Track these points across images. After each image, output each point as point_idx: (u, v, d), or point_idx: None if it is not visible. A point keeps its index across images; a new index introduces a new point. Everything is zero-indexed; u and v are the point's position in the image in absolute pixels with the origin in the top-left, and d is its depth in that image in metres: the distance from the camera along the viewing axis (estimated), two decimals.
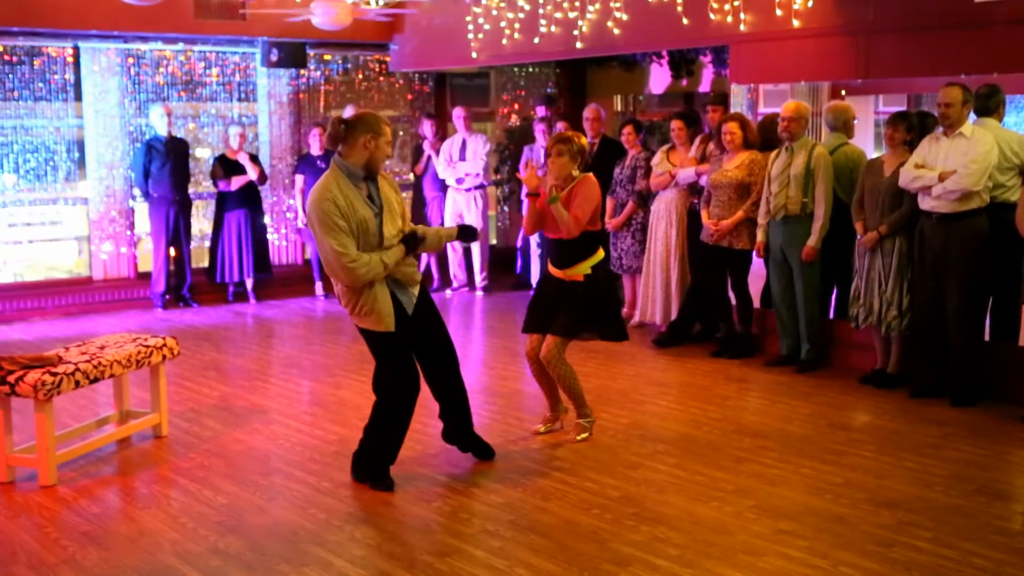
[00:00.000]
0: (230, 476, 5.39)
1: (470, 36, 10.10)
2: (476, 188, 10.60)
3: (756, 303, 7.93)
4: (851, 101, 8.68)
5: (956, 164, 6.30)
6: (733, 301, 7.92)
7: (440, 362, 5.34)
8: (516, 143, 11.62)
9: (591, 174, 5.78)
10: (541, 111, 10.80)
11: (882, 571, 4.15)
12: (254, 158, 10.37)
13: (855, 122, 7.77)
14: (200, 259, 10.62)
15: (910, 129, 6.80)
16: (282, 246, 11.15)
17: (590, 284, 5.70)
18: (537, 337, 5.85)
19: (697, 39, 8.65)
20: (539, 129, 10.15)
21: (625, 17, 8.76)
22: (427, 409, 6.68)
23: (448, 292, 10.90)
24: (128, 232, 10.27)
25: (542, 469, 5.42)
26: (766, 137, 7.69)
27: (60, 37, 9.71)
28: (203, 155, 10.78)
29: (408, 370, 5.14)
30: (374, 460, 5.20)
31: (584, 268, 5.70)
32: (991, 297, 6.65)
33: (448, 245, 10.72)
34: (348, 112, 10.80)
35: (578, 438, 5.88)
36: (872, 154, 8.42)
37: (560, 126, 9.90)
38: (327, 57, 11.29)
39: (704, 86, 11.27)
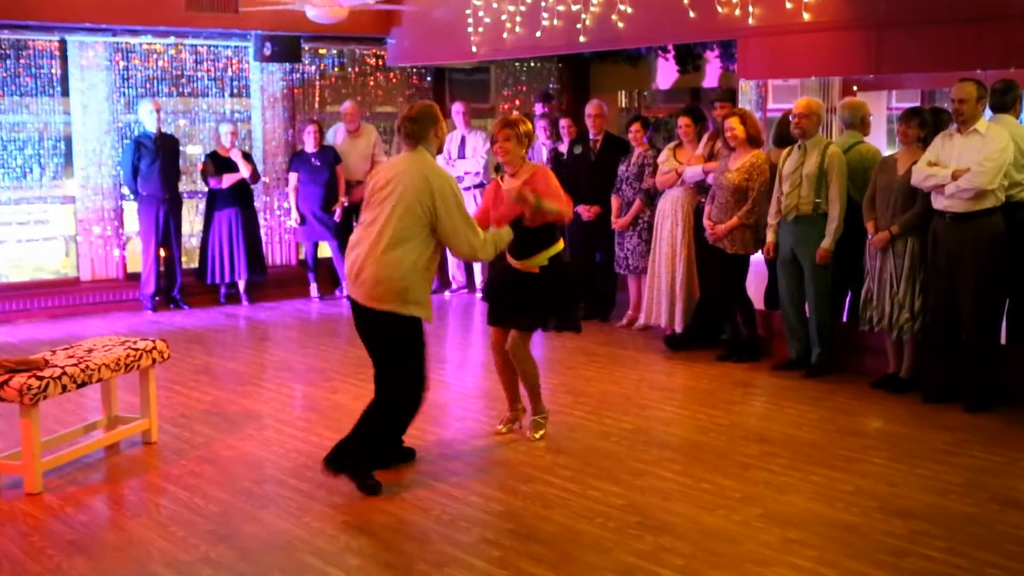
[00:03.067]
0: (222, 483, 5.39)
1: (470, 30, 10.11)
2: (476, 187, 10.60)
3: (759, 305, 7.94)
4: (863, 97, 8.70)
5: (970, 162, 6.30)
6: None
7: None
8: None
9: (542, 165, 6.01)
10: (540, 108, 10.80)
11: None
12: (247, 156, 10.38)
13: (871, 119, 7.77)
14: (191, 259, 10.63)
15: (923, 125, 6.80)
16: (275, 246, 11.16)
17: (546, 276, 5.81)
18: (500, 330, 6.00)
19: (704, 33, 8.65)
20: (540, 126, 10.14)
21: (629, 10, 8.76)
22: (424, 415, 6.69)
23: (447, 294, 10.91)
24: (118, 228, 10.28)
25: (543, 476, 5.42)
26: (784, 134, 7.67)
27: (47, 30, 9.72)
28: (194, 152, 10.80)
29: (426, 365, 5.36)
30: (368, 457, 5.25)
31: (540, 260, 5.79)
32: (1007, 299, 6.65)
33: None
34: (347, 107, 10.85)
35: (536, 436, 5.98)
36: (884, 152, 8.42)
37: (564, 123, 9.91)
38: (322, 51, 11.29)
39: (711, 81, 11.28)
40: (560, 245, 5.88)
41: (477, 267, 10.83)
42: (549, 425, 6.13)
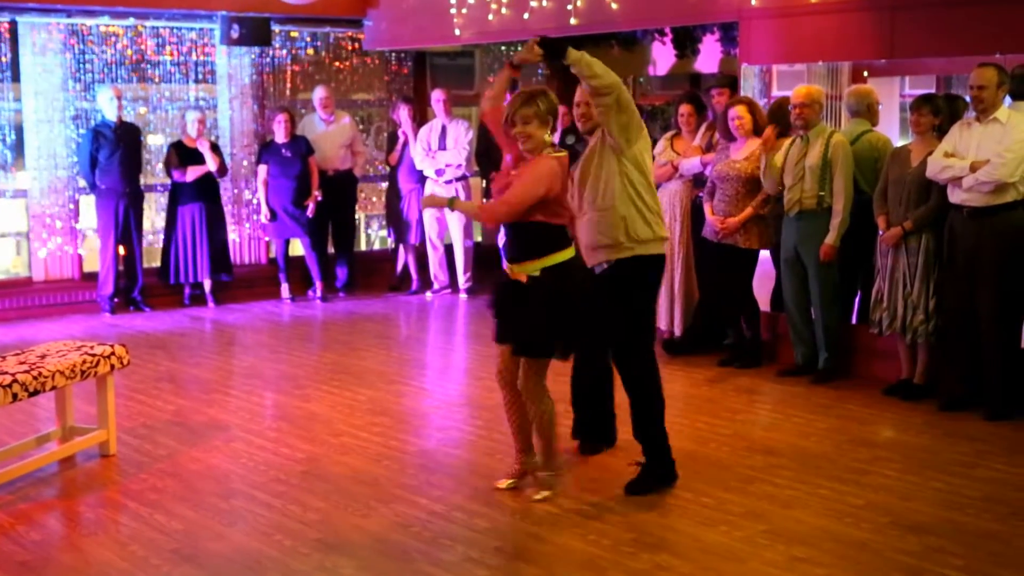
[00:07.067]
0: (186, 499, 5.38)
1: (453, 11, 10.11)
2: (457, 180, 10.58)
3: (764, 306, 7.95)
4: (874, 84, 8.71)
5: (989, 153, 6.32)
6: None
7: None
8: None
9: (552, 155, 5.10)
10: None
11: None
12: (214, 147, 10.35)
13: (879, 107, 7.79)
14: (153, 258, 10.59)
15: (936, 113, 6.80)
16: (244, 244, 11.14)
17: (538, 289, 5.05)
18: (508, 353, 5.26)
19: (704, 15, 8.67)
20: None
21: None
22: (407, 424, 6.68)
23: (428, 294, 10.88)
24: (73, 224, 10.25)
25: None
26: (776, 123, 7.68)
27: None
28: (156, 142, 10.76)
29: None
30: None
31: (531, 268, 5.07)
32: None
33: (428, 242, 10.74)
34: (321, 93, 10.82)
35: (536, 497, 5.26)
36: (896, 142, 8.44)
37: (559, 111, 9.88)
38: (294, 34, 11.27)
39: (712, 67, 11.29)
40: (565, 255, 5.11)
41: (460, 266, 10.81)
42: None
